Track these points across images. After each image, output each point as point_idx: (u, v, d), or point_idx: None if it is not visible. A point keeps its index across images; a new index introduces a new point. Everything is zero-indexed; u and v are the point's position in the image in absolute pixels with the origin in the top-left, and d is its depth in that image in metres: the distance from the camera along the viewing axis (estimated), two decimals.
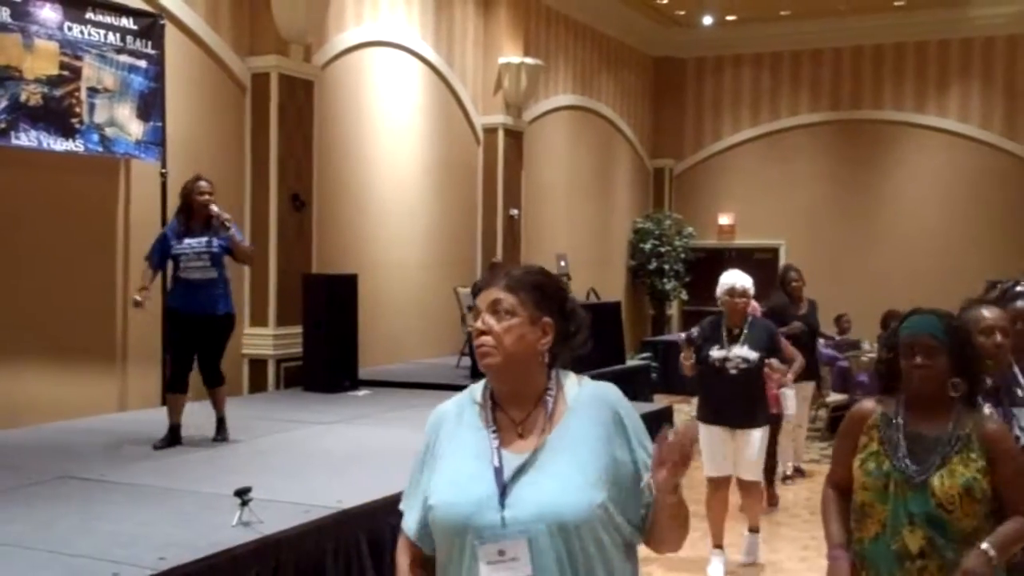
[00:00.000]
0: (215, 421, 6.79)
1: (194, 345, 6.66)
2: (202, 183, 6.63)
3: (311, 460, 6.29)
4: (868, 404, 3.08)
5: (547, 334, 2.17)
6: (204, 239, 6.53)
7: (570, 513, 2.02)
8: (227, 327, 6.80)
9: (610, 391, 2.21)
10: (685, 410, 11.51)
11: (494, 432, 2.15)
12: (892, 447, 2.93)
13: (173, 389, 6.69)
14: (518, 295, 2.16)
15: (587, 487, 2.04)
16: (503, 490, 2.05)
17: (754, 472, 6.26)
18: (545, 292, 2.19)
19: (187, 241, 6.54)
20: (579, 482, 2.05)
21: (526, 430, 2.14)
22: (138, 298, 6.51)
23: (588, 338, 2.27)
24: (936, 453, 2.88)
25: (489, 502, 2.05)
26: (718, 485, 6.27)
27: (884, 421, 2.98)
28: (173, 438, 6.56)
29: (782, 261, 16.70)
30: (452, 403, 2.28)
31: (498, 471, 2.08)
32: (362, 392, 9.31)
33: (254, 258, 6.87)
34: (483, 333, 2.14)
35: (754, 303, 7.03)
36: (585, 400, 2.17)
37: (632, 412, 2.22)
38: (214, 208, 6.52)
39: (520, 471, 2.07)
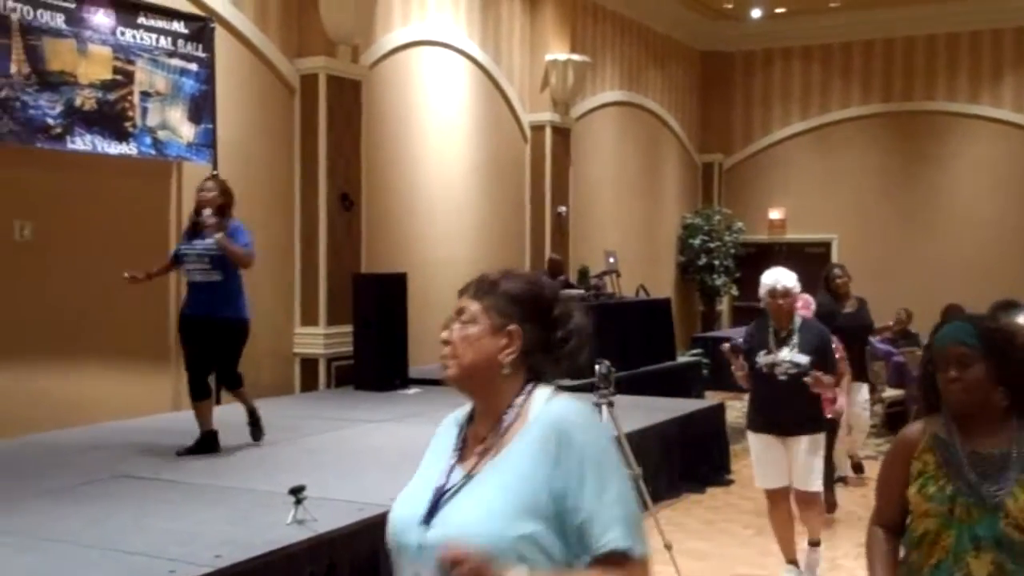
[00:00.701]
0: (246, 415, 6.63)
1: (203, 348, 6.44)
2: (206, 183, 6.55)
3: (363, 458, 6.32)
4: (915, 428, 2.79)
5: (512, 343, 1.97)
6: (209, 241, 6.32)
7: (479, 542, 1.79)
8: (232, 332, 6.48)
9: (569, 411, 1.93)
10: (737, 407, 11.39)
11: (457, 449, 2.02)
12: (954, 468, 2.66)
13: (195, 396, 6.46)
14: (483, 302, 2.01)
15: (506, 516, 1.83)
16: (431, 510, 1.92)
17: (812, 482, 5.74)
18: (516, 298, 2.00)
19: (193, 241, 6.43)
20: (497, 509, 1.84)
21: (485, 448, 1.98)
22: (127, 274, 6.45)
23: (581, 346, 2.03)
24: (1005, 471, 2.63)
25: (417, 521, 1.93)
26: (776, 498, 5.80)
27: (937, 443, 2.71)
28: (206, 445, 6.36)
29: (834, 256, 16.52)
30: (449, 417, 2.16)
31: (438, 490, 1.95)
32: (412, 390, 9.34)
33: (250, 261, 6.48)
34: (446, 343, 2.03)
35: (806, 297, 6.76)
36: (543, 419, 1.93)
37: (593, 442, 1.90)
38: (206, 211, 6.30)
39: (455, 491, 1.93)
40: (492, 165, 12.52)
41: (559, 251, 13.16)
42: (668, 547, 5.35)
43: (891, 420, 10.56)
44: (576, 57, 13.35)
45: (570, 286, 11.58)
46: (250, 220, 8.19)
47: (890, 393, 10.77)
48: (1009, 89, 16.11)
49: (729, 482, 8.41)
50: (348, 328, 9.57)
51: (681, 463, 8.13)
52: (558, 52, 13.23)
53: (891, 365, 11.07)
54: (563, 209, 13.49)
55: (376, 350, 9.38)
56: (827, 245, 17.17)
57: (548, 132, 13.28)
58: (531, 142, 13.32)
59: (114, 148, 7.76)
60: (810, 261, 16.82)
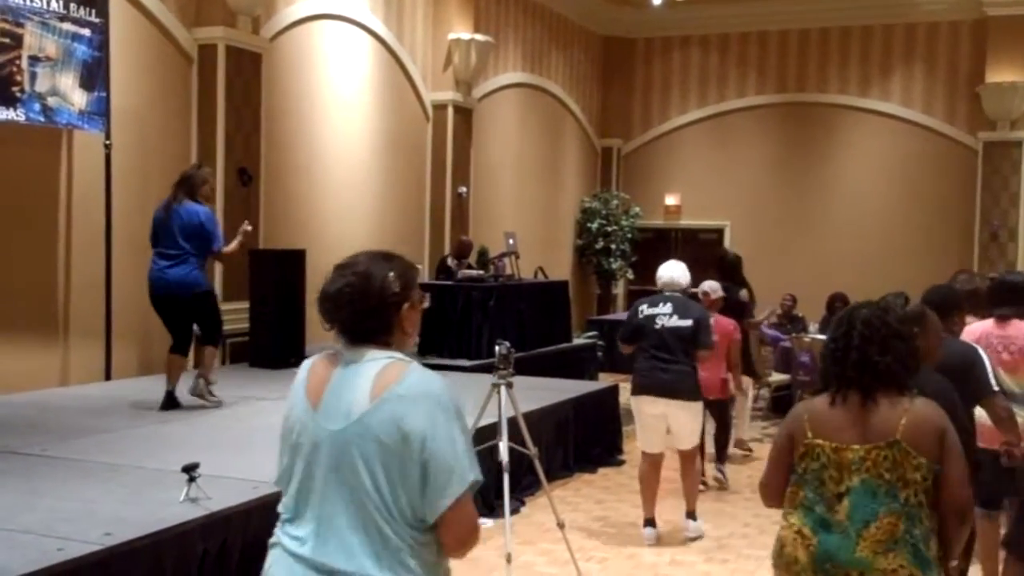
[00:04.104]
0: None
1: None
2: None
3: (258, 436, 6.24)
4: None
5: None
6: None
7: None
8: None
9: None
10: (629, 389, 11.56)
11: None
12: None
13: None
14: None
15: None
16: None
17: (688, 442, 6.47)
18: None
19: None
20: None
21: None
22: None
23: None
24: None
25: None
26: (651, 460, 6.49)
27: None
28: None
29: (727, 242, 16.90)
30: None
31: None
32: None
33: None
34: None
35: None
36: None
37: None
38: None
39: None
40: (393, 143, 12.45)
41: (459, 232, 13.16)
42: (561, 526, 5.45)
43: (777, 404, 10.88)
44: (479, 37, 13.34)
45: (471, 267, 11.61)
46: (145, 193, 8.04)
47: (777, 377, 11.07)
48: (897, 84, 16.65)
49: (621, 463, 8.58)
50: (244, 304, 9.43)
51: (575, 444, 8.25)
52: (461, 31, 13.21)
53: (778, 350, 11.39)
54: (464, 189, 13.50)
55: (272, 327, 9.27)
56: (720, 232, 17.56)
57: (450, 112, 13.25)
58: (433, 121, 13.28)
59: (0, 114, 7.48)
60: (703, 247, 17.23)
